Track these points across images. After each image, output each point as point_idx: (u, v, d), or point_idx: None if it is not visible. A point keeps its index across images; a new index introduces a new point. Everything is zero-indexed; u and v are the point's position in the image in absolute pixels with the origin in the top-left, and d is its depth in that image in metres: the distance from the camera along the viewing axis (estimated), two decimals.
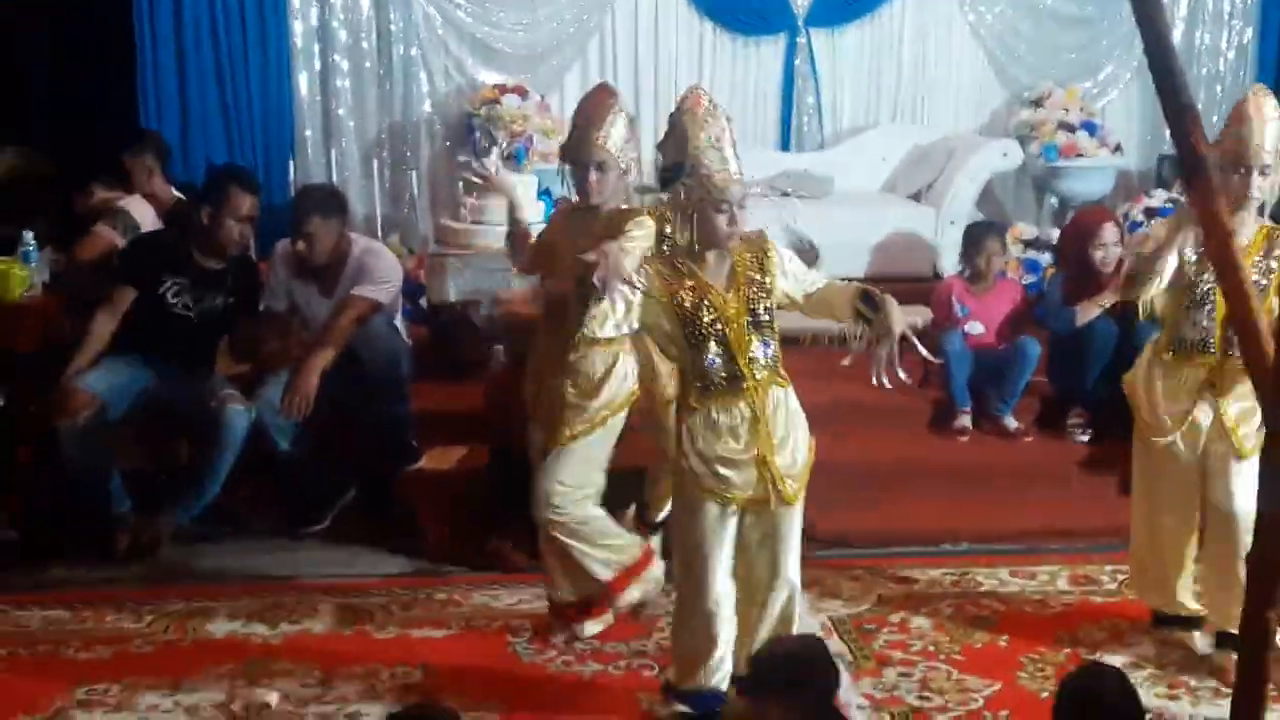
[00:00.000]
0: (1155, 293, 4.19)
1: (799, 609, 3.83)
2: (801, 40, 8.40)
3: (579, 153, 4.06)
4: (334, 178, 7.77)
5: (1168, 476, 4.25)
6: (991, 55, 8.74)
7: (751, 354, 3.56)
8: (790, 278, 3.62)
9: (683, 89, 5.39)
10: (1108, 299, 5.79)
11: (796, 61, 8.41)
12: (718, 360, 3.56)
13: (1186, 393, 4.18)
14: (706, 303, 3.55)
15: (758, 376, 3.57)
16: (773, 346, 3.61)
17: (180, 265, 5.22)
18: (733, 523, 3.65)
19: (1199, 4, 8.83)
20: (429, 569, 5.04)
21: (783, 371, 3.64)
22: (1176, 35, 8.24)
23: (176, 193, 6.44)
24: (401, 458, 5.41)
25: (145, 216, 6.12)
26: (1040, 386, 6.12)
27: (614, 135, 4.03)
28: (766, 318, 3.59)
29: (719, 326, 3.55)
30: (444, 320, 6.32)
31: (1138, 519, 4.43)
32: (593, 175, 4.03)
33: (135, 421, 5.23)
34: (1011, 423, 5.99)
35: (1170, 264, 4.08)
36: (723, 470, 3.58)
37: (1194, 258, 4.11)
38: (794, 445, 3.64)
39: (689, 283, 3.56)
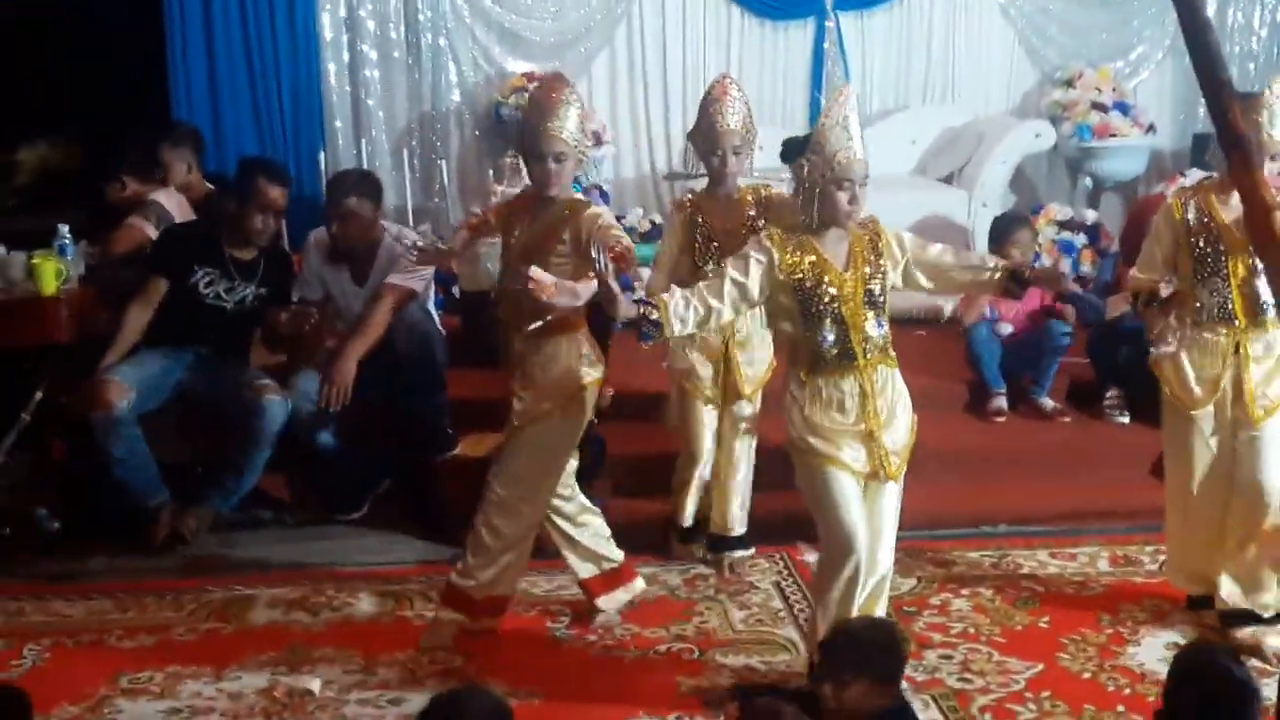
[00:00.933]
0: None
1: (887, 590, 3.88)
2: (830, 23, 8.35)
3: (536, 144, 4.00)
4: (365, 168, 7.77)
5: (1200, 450, 4.23)
6: (1022, 35, 8.68)
7: (866, 332, 3.63)
8: (910, 255, 3.69)
9: (711, 74, 5.43)
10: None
11: (825, 45, 8.36)
12: (832, 337, 3.62)
13: (1212, 361, 4.18)
14: (826, 280, 3.60)
15: (869, 355, 3.64)
16: (885, 326, 3.68)
17: (211, 256, 5.25)
18: (855, 485, 3.68)
19: None
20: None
21: (892, 351, 3.71)
22: (1209, 12, 8.16)
23: (210, 185, 6.46)
24: (438, 445, 5.43)
25: (177, 208, 6.14)
26: (1077, 368, 6.08)
27: (569, 125, 3.97)
28: (881, 298, 3.66)
29: (836, 305, 3.61)
30: (477, 308, 6.31)
31: (1172, 497, 4.40)
32: (551, 166, 3.98)
33: (172, 412, 5.26)
34: (1048, 403, 5.97)
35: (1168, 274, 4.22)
36: (831, 441, 3.64)
37: (1198, 229, 4.12)
38: (900, 423, 3.71)
39: (809, 259, 3.61)
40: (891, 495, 3.76)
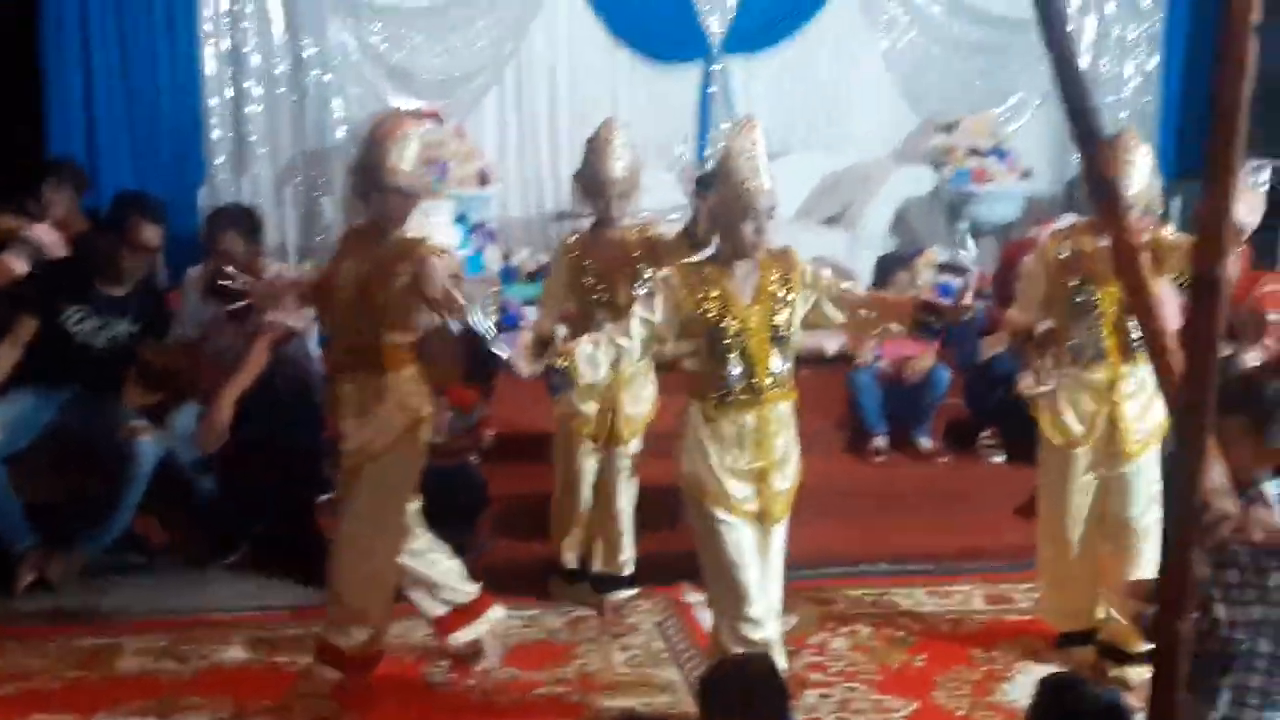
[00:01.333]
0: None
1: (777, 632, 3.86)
2: (717, 67, 8.47)
3: (378, 179, 3.93)
4: (245, 204, 7.66)
5: (1077, 488, 4.32)
6: (904, 82, 8.88)
7: (770, 368, 3.62)
8: (822, 290, 3.67)
9: (600, 114, 5.45)
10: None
11: (713, 88, 8.46)
12: (737, 372, 3.61)
13: (1089, 399, 4.27)
14: (731, 315, 3.60)
15: (772, 390, 3.63)
16: (789, 362, 3.69)
17: (82, 293, 5.13)
18: (749, 533, 3.68)
19: (1105, 32, 9.05)
20: None
21: (791, 388, 3.71)
22: (1083, 63, 8.39)
23: (86, 221, 6.32)
24: (316, 486, 5.33)
25: (53, 245, 5.99)
26: (953, 409, 6.19)
27: (408, 158, 3.93)
28: (786, 333, 3.64)
29: (741, 340, 3.60)
30: None
31: (1046, 534, 4.48)
32: (392, 201, 3.93)
33: (43, 451, 5.11)
34: (926, 443, 6.06)
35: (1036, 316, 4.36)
36: (727, 481, 3.64)
37: (1071, 269, 4.21)
38: (790, 464, 3.73)
39: (714, 293, 3.61)
40: (778, 536, 3.77)
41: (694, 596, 4.74)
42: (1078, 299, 4.23)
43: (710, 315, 3.61)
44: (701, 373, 3.70)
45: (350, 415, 4.02)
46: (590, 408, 4.67)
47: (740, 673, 3.28)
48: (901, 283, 6.23)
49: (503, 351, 3.65)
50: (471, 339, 5.79)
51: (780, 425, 3.69)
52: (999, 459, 6.03)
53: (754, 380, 3.62)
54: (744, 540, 3.67)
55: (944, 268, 7.66)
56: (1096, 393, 4.26)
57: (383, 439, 3.99)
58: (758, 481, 3.67)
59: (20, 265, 5.76)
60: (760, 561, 3.72)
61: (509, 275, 7.08)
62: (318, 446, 5.35)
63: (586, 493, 4.78)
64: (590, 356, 3.58)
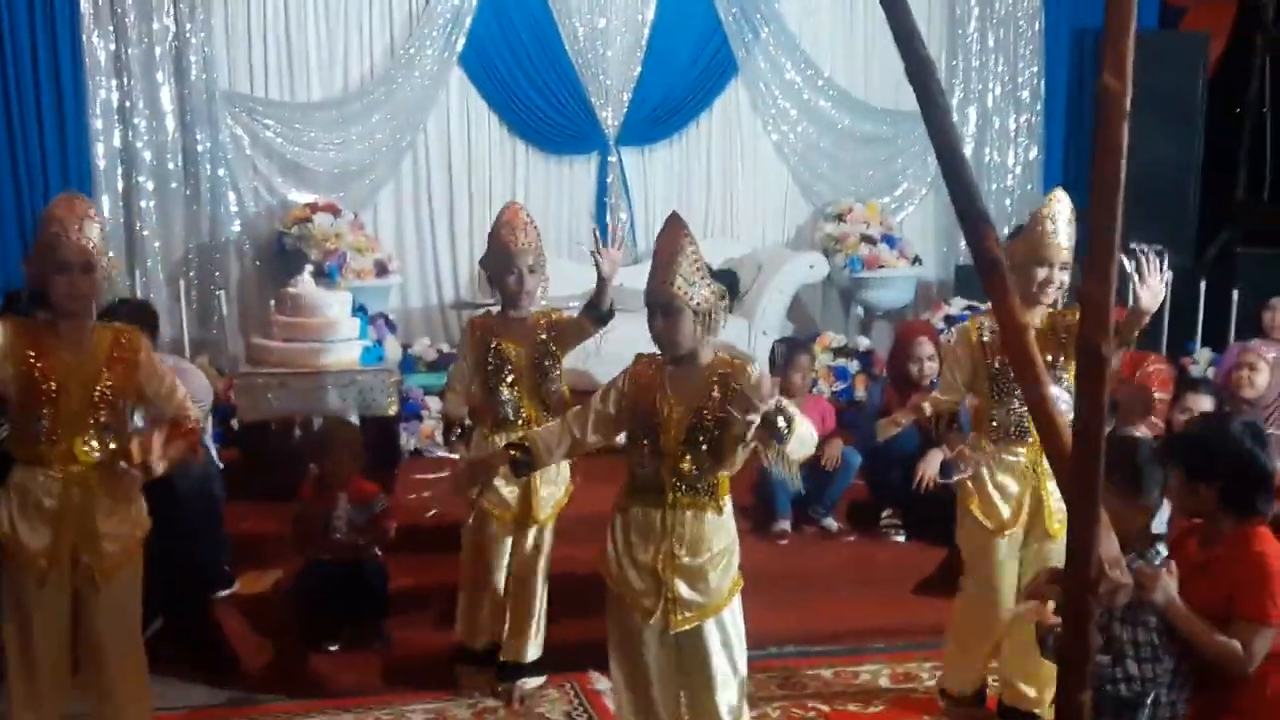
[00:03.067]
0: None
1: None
2: (613, 159, 8.59)
3: (58, 256, 3.65)
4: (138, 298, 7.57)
5: (1006, 568, 4.31)
6: (795, 172, 9.11)
7: (680, 469, 3.52)
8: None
9: (498, 204, 5.49)
10: (905, 417, 5.97)
11: (609, 179, 8.58)
12: (645, 465, 3.57)
13: (1014, 480, 4.32)
14: (656, 407, 3.54)
15: (677, 494, 3.54)
16: (709, 472, 3.54)
17: None
18: (654, 638, 3.62)
19: (987, 124, 9.38)
20: (242, 698, 4.84)
21: (717, 504, 3.58)
22: (967, 151, 8.68)
23: None
24: (214, 583, 5.23)
25: None
26: (853, 489, 6.25)
27: (93, 236, 3.72)
28: (709, 441, 3.51)
29: (654, 434, 3.54)
30: (257, 440, 6.18)
31: (967, 611, 4.46)
32: (80, 280, 3.67)
33: None
34: (832, 524, 6.12)
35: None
36: (627, 569, 3.60)
37: (994, 351, 4.27)
38: (708, 580, 3.57)
39: (647, 384, 3.58)
40: (698, 646, 3.61)
41: (603, 684, 4.70)
42: (1000, 379, 4.28)
43: (641, 405, 3.58)
44: (627, 458, 3.68)
45: (72, 531, 3.75)
46: (509, 491, 4.61)
47: None
48: (804, 365, 6.31)
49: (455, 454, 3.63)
50: (374, 430, 5.77)
51: (691, 535, 3.56)
52: (900, 538, 6.09)
53: (659, 477, 3.55)
54: (635, 634, 3.64)
55: (840, 351, 7.81)
56: (1018, 473, 4.32)
57: (121, 555, 3.85)
58: (656, 582, 3.57)
59: None
60: (660, 661, 3.66)
61: (409, 365, 7.05)
62: (217, 545, 5.27)
63: (500, 576, 4.72)
64: (548, 444, 3.64)
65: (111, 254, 3.82)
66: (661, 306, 3.50)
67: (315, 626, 5.00)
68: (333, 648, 4.98)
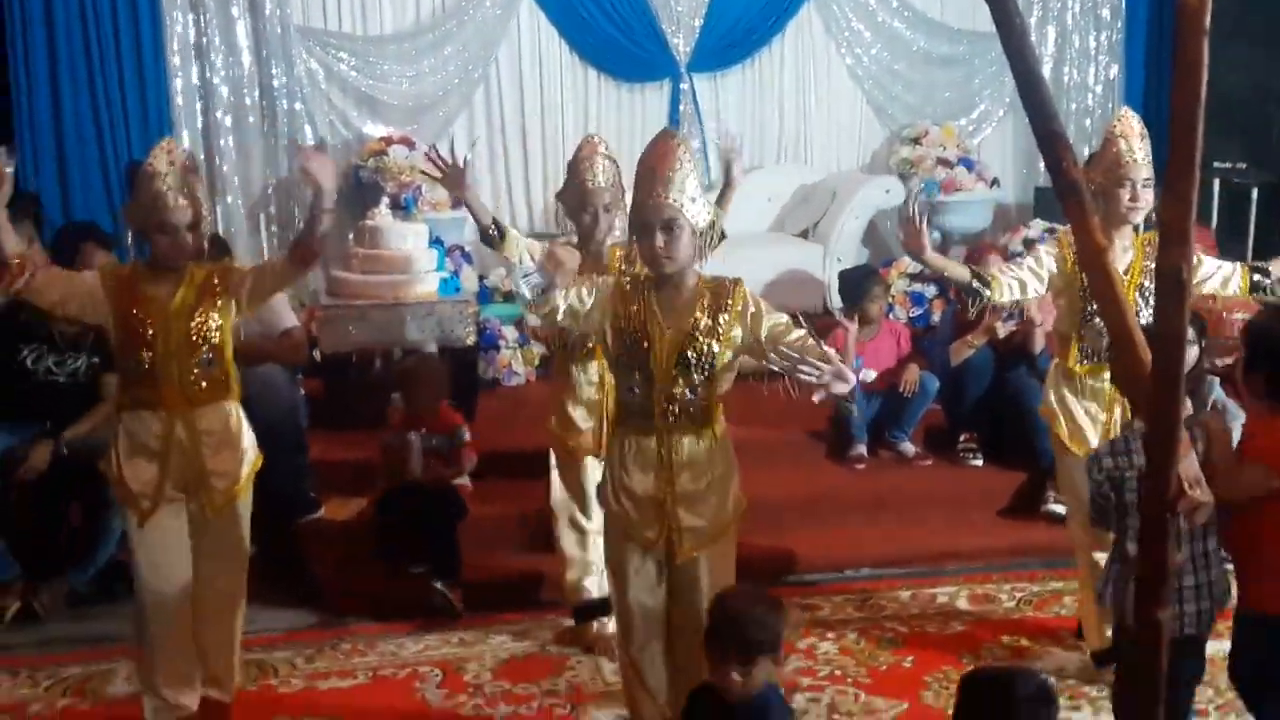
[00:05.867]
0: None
1: None
2: (685, 85, 8.54)
3: (162, 218, 3.71)
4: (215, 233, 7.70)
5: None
6: (870, 95, 9.00)
7: (673, 394, 3.43)
8: (764, 337, 3.41)
9: (570, 135, 5.50)
10: (978, 339, 5.97)
11: (681, 106, 8.54)
12: (636, 390, 3.47)
13: (1102, 404, 4.29)
14: (645, 331, 3.44)
15: (671, 419, 3.45)
16: (702, 394, 3.45)
17: (37, 331, 5.12)
18: (652, 566, 3.57)
19: (1066, 42, 9.19)
20: (332, 620, 4.98)
21: (713, 427, 3.49)
22: (1045, 71, 8.52)
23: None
24: (301, 509, 5.36)
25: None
26: (930, 414, 6.25)
27: (195, 192, 3.74)
28: (701, 363, 3.42)
29: (647, 358, 3.43)
30: (339, 371, 6.29)
31: (1080, 546, 4.38)
32: (184, 240, 3.74)
33: (21, 487, 5.10)
34: (909, 448, 6.11)
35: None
36: (626, 503, 3.53)
37: (1081, 280, 4.19)
38: (707, 503, 3.50)
39: (634, 308, 3.47)
40: (697, 572, 3.52)
41: None
42: (1090, 302, 4.18)
43: (626, 328, 3.46)
44: (614, 385, 3.63)
45: (191, 455, 3.85)
46: (588, 425, 4.62)
47: (759, 611, 3.17)
48: (876, 294, 6.30)
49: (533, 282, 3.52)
50: (452, 360, 5.85)
51: (688, 460, 3.47)
52: (978, 462, 6.08)
53: (650, 404, 3.44)
54: (636, 564, 3.56)
55: (915, 277, 7.75)
56: (1105, 399, 4.28)
57: (235, 476, 3.93)
58: (658, 510, 3.49)
59: None
60: (659, 588, 3.59)
61: (485, 296, 7.11)
62: (300, 471, 5.38)
63: (591, 511, 4.59)
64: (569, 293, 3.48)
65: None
66: (662, 223, 3.36)
67: (398, 551, 5.10)
68: (416, 570, 5.09)
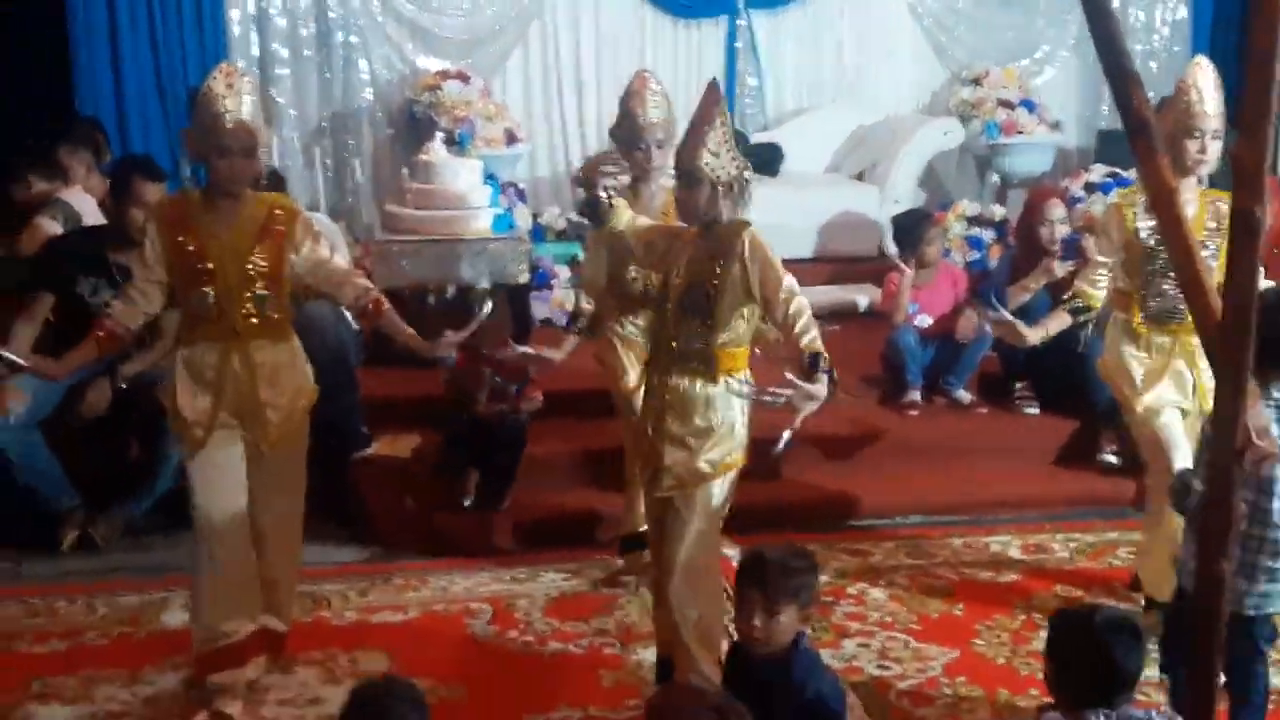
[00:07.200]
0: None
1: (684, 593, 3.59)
2: (742, 22, 8.44)
3: (220, 141, 3.63)
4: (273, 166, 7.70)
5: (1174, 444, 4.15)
6: (930, 35, 8.85)
7: (676, 336, 3.49)
8: (762, 298, 3.41)
9: (625, 71, 5.44)
10: (1035, 281, 5.84)
11: (738, 44, 8.44)
12: (657, 328, 3.60)
13: (1162, 360, 4.20)
14: (668, 276, 3.54)
15: (672, 360, 3.50)
16: (706, 338, 3.45)
17: (94, 264, 5.12)
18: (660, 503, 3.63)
19: None
20: (383, 555, 5.02)
21: (711, 375, 3.46)
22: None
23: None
24: (353, 445, 5.38)
25: (85, 208, 6.02)
26: (985, 361, 6.17)
27: (254, 115, 3.68)
28: (700, 307, 3.44)
29: (666, 296, 3.54)
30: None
31: (1153, 502, 4.30)
32: (241, 164, 3.67)
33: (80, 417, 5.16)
34: (964, 395, 6.05)
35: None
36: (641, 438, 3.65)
37: (1147, 232, 4.12)
38: (697, 447, 3.48)
39: (663, 248, 3.58)
40: (675, 512, 3.55)
41: (730, 550, 4.75)
42: (1156, 258, 4.11)
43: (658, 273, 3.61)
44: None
45: (247, 391, 3.81)
46: (635, 372, 4.59)
47: (787, 559, 3.17)
48: (932, 238, 6.20)
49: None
50: (514, 299, 5.84)
51: (687, 404, 3.48)
52: (1033, 410, 6.01)
53: (658, 343, 3.58)
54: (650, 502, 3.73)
55: (974, 220, 7.65)
56: (1164, 354, 4.18)
57: (290, 416, 3.90)
58: (653, 446, 3.55)
59: (54, 227, 5.80)
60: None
61: (538, 234, 7.09)
62: (351, 407, 5.41)
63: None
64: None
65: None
66: (685, 174, 3.45)
67: (452, 483, 5.12)
68: (466, 502, 5.11)
